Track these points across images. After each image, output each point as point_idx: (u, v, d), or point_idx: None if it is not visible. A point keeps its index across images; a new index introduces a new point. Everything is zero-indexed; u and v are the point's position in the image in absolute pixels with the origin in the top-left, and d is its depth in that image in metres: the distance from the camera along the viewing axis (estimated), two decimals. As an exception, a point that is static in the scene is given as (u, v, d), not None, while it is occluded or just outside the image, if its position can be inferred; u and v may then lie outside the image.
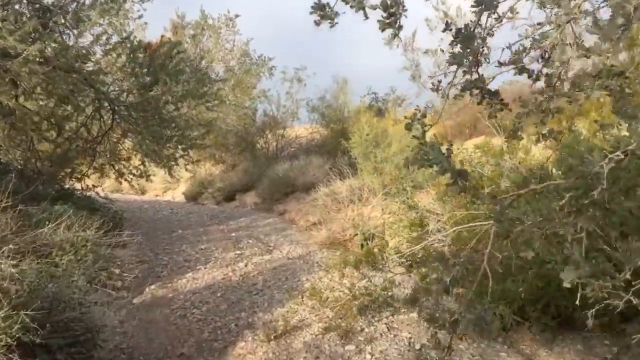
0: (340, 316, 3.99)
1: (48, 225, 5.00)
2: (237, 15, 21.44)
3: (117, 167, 8.55)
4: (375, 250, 7.53)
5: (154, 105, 7.57)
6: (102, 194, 9.26)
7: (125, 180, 8.78)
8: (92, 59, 6.76)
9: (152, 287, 5.57)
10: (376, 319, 4.12)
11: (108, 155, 8.25)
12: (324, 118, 14.51)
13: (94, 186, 8.80)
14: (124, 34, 6.95)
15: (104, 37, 6.56)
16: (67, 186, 8.76)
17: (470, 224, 4.06)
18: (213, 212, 11.68)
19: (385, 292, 3.82)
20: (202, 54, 21.08)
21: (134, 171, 8.63)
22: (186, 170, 9.76)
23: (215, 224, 9.68)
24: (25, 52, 5.09)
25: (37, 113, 7.91)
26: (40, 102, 7.87)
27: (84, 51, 6.63)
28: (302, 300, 4.81)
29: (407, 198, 6.35)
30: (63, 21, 6.32)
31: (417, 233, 5.40)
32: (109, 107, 7.82)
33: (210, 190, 14.50)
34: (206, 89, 8.27)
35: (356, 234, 7.38)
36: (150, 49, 7.95)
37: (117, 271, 5.12)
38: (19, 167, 8.18)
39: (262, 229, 9.06)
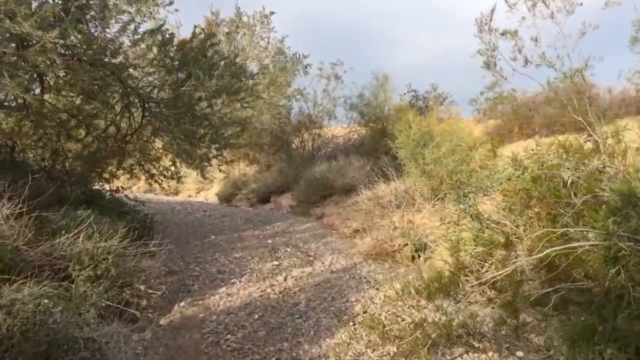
0: (406, 354, 3.27)
1: (66, 234, 4.43)
2: (272, 13, 20.87)
3: (147, 168, 8.01)
4: (425, 262, 6.79)
5: (186, 101, 6.98)
6: (132, 196, 8.77)
7: (156, 182, 8.23)
8: (121, 52, 6.20)
9: (182, 304, 4.96)
10: (448, 357, 3.39)
11: (137, 156, 7.70)
12: (363, 117, 13.76)
13: (122, 188, 8.29)
14: (155, 24, 6.34)
15: (132, 26, 5.98)
16: (96, 187, 8.29)
17: (567, 245, 3.30)
18: (247, 215, 11.08)
19: (464, 329, 3.09)
20: (236, 51, 20.65)
21: (165, 172, 8.07)
22: (220, 171, 9.13)
23: (249, 228, 9.06)
24: (42, 39, 4.53)
25: (63, 110, 7.44)
26: (67, 98, 7.41)
27: (111, 43, 6.10)
28: (355, 329, 4.11)
29: (470, 206, 5.57)
30: (86, 7, 5.76)
31: (485, 248, 4.62)
32: (138, 103, 7.28)
33: (244, 191, 13.95)
34: (241, 83, 7.63)
35: (406, 244, 6.63)
36: (183, 44, 7.38)
37: (142, 287, 4.51)
38: (46, 167, 7.73)
39: (300, 235, 8.39)
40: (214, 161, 8.10)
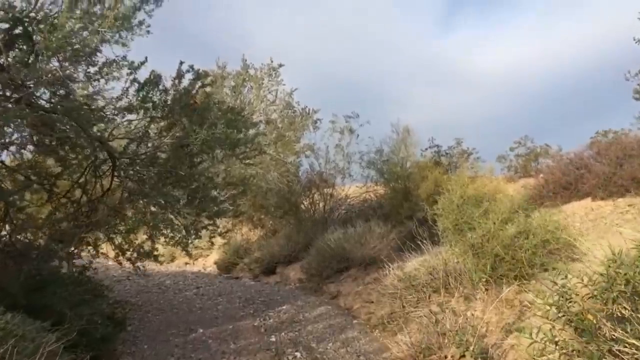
0: None
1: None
2: (280, 65, 19.83)
3: (116, 243, 6.35)
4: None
5: (168, 157, 5.41)
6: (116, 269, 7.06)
7: (129, 260, 6.54)
8: (76, 88, 4.68)
9: None
10: None
11: (105, 227, 6.07)
12: (382, 175, 12.14)
13: (89, 265, 6.60)
14: (124, 55, 4.85)
15: (93, 58, 4.49)
16: (61, 264, 6.60)
17: None
18: (248, 291, 9.29)
19: None
20: (243, 105, 19.48)
21: (140, 249, 6.39)
22: (211, 242, 7.41)
23: (249, 315, 7.25)
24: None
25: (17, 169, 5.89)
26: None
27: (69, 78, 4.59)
28: None
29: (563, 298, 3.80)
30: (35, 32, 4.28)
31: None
32: (108, 159, 5.72)
33: (246, 260, 12.19)
34: (240, 135, 6.07)
35: (463, 356, 4.80)
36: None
37: None
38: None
39: (312, 327, 6.58)
40: (204, 233, 6.45)
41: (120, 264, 6.58)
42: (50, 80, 4.19)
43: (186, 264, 15.02)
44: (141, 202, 5.60)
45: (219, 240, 14.22)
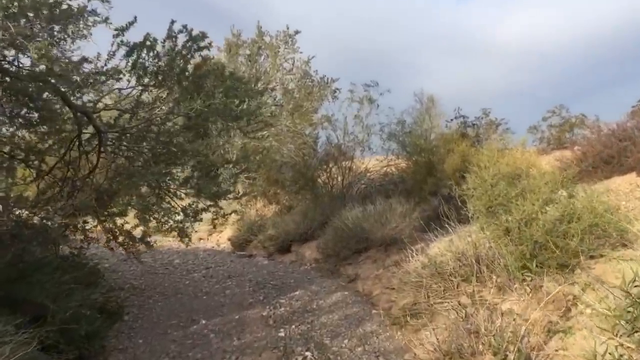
0: None
1: None
2: (297, 32, 18.88)
3: (108, 227, 5.74)
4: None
5: (160, 130, 4.73)
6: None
7: (120, 245, 5.95)
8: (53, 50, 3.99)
9: None
10: None
11: (93, 209, 5.44)
12: (405, 148, 11.32)
13: (80, 249, 6.01)
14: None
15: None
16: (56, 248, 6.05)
17: None
18: (260, 272, 8.70)
19: None
20: (259, 75, 18.71)
21: (129, 235, 5.77)
22: (214, 225, 6.74)
23: (258, 302, 6.66)
24: None
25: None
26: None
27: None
28: None
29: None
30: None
31: None
32: (95, 132, 5.06)
33: (260, 237, 11.59)
34: (243, 106, 5.33)
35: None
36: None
37: None
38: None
39: (326, 318, 5.96)
40: (207, 215, 5.81)
41: (111, 249, 6.00)
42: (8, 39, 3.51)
43: (200, 239, 14.53)
44: (129, 181, 4.95)
45: (232, 216, 13.68)
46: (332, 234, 9.34)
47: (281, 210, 12.40)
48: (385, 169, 12.64)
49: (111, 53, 4.90)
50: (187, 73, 4.82)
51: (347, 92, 12.86)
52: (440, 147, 10.52)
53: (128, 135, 4.92)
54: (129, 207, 5.14)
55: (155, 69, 5.11)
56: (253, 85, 17.30)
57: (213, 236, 14.40)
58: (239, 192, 6.03)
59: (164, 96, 4.99)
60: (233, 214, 13.64)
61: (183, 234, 5.56)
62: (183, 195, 5.42)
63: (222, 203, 6.89)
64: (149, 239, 5.42)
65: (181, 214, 5.58)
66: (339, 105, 13.13)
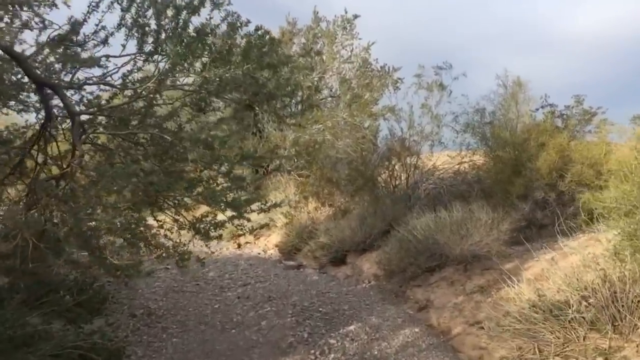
0: None
1: None
2: (356, 16, 17.26)
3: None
4: None
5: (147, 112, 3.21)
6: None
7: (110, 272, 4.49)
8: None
9: None
10: None
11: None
12: (485, 141, 9.39)
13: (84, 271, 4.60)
14: None
15: None
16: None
17: None
18: (307, 293, 7.13)
19: None
20: (314, 64, 17.17)
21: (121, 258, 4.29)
22: (238, 232, 5.07)
23: (300, 341, 5.07)
24: None
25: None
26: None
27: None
28: None
29: None
30: None
31: None
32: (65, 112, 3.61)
33: (311, 245, 9.99)
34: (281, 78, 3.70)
35: None
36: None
37: None
38: None
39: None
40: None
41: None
42: None
43: (246, 243, 13.14)
44: (102, 185, 3.45)
45: (281, 219, 12.21)
46: (396, 246, 7.62)
47: (335, 213, 10.74)
48: (458, 166, 10.75)
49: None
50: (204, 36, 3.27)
51: (414, 78, 11.00)
52: (530, 141, 8.53)
53: (114, 120, 3.47)
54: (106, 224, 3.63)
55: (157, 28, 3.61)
56: (306, 75, 15.77)
57: (261, 240, 12.96)
58: (265, 202, 4.42)
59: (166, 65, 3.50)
60: (282, 217, 12.20)
61: (182, 261, 4.03)
62: (183, 208, 3.94)
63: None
64: (139, 268, 3.91)
65: (189, 230, 4.09)
66: (403, 92, 11.32)
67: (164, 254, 3.80)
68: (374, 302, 6.71)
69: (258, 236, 13.12)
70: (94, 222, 3.05)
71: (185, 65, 3.35)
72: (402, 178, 10.77)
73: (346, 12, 16.54)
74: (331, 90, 17.63)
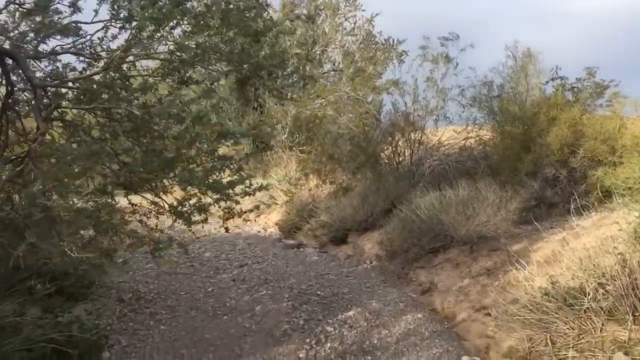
0: None
1: None
2: (359, -14, 16.74)
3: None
4: None
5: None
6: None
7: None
8: None
9: None
10: None
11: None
12: (493, 115, 8.97)
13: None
14: None
15: None
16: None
17: None
18: (306, 274, 6.85)
19: None
20: (316, 37, 16.71)
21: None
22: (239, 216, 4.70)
23: (296, 328, 4.79)
24: None
25: None
26: None
27: None
28: None
29: None
30: None
31: None
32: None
33: (312, 223, 9.69)
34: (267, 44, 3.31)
35: None
36: None
37: None
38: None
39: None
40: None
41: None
42: None
43: (246, 221, 12.85)
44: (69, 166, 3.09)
45: (282, 196, 11.90)
46: (398, 225, 7.30)
47: (337, 191, 10.40)
48: (464, 142, 10.34)
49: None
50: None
51: (419, 50, 10.50)
52: (540, 115, 8.11)
53: (82, 93, 3.10)
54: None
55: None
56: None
57: (261, 218, 12.69)
58: (249, 184, 4.05)
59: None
60: (282, 194, 11.88)
61: (156, 250, 3.68)
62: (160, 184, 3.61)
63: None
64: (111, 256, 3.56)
65: (171, 214, 3.75)
66: (408, 65, 10.81)
67: (137, 243, 3.47)
68: (375, 284, 6.42)
69: (258, 214, 12.84)
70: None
71: (161, 31, 2.98)
72: (406, 154, 10.39)
73: (349, -18, 16.00)
74: (334, 64, 17.15)
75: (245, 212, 4.34)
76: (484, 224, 6.25)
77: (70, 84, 3.23)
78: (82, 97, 3.13)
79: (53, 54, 3.30)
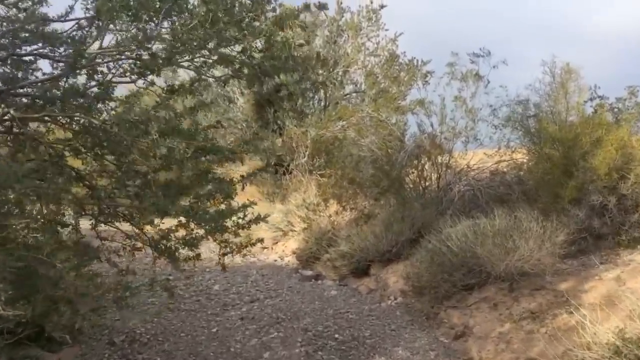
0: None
1: None
2: (382, 6, 16.27)
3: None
4: None
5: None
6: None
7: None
8: None
9: None
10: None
11: None
12: (530, 136, 8.21)
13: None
14: None
15: None
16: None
17: None
18: (323, 313, 6.14)
19: None
20: (337, 57, 16.24)
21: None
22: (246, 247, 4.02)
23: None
24: None
25: None
26: None
27: None
28: None
29: None
30: None
31: None
32: None
33: (331, 253, 8.96)
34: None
35: None
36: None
37: None
38: None
39: None
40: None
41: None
42: None
43: (263, 248, 12.20)
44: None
45: (299, 224, 11.22)
46: (426, 258, 6.55)
47: (358, 218, 9.67)
48: (495, 165, 9.57)
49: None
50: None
51: (446, 68, 9.82)
52: (583, 136, 7.34)
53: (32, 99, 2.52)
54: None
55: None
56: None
57: (278, 245, 12.02)
58: (243, 215, 3.39)
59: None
60: (300, 222, 11.21)
61: (124, 299, 3.04)
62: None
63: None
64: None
65: (153, 249, 3.12)
66: (434, 83, 10.12)
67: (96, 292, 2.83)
68: (400, 326, 5.67)
69: (275, 241, 12.18)
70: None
71: (129, 21, 2.41)
72: (433, 178, 9.66)
73: (372, 2, 15.51)
74: (356, 86, 16.62)
75: (246, 246, 3.69)
76: (526, 258, 5.48)
77: (26, 89, 2.68)
78: (35, 104, 2.56)
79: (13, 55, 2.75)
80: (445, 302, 5.97)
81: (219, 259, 3.77)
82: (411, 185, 9.54)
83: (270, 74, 2.98)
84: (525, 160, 8.83)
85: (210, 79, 3.27)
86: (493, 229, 5.96)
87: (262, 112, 16.18)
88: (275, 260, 10.53)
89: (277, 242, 12.18)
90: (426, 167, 9.67)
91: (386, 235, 8.15)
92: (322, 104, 16.53)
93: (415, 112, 10.57)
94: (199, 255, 3.44)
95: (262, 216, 3.73)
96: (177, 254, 3.20)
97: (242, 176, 3.53)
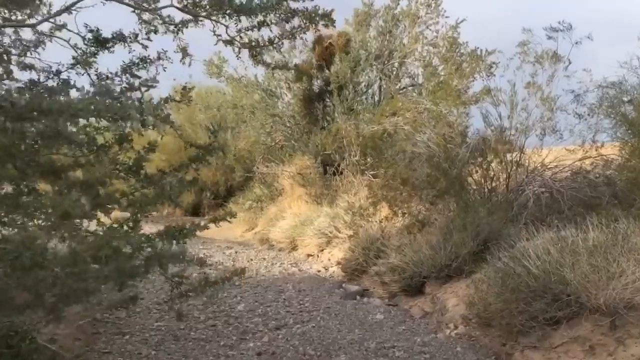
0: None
1: None
2: (442, -10, 14.87)
3: None
4: None
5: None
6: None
7: None
8: None
9: None
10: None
11: None
12: (627, 126, 6.61)
13: None
14: None
15: None
16: None
17: None
18: (364, 344, 4.92)
19: None
20: (392, 47, 14.98)
21: None
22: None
23: None
24: None
25: None
26: None
27: None
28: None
29: None
30: None
31: None
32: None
33: (380, 266, 7.69)
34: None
35: None
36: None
37: None
38: None
39: None
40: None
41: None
42: None
43: (308, 256, 11.09)
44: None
45: (345, 230, 10.02)
46: (495, 279, 5.16)
47: (411, 225, 8.28)
48: (579, 163, 7.99)
49: None
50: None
51: (517, 48, 8.29)
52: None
53: None
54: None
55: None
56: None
57: (324, 253, 10.85)
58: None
59: None
60: (344, 229, 10.02)
61: None
62: None
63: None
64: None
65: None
66: (502, 67, 8.60)
67: None
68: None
69: (322, 248, 11.03)
70: None
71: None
72: (501, 179, 8.19)
73: (430, -14, 14.14)
74: (413, 79, 15.27)
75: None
76: (636, 286, 4.02)
77: None
78: None
79: None
80: (522, 339, 4.59)
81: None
82: (474, 187, 8.11)
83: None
84: (617, 157, 7.23)
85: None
86: (586, 245, 4.51)
87: (311, 108, 15.17)
88: (319, 271, 9.37)
89: (322, 250, 11.02)
90: (493, 165, 8.20)
91: (444, 246, 6.79)
92: (376, 98, 15.34)
93: (479, 104, 9.17)
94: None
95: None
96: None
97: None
